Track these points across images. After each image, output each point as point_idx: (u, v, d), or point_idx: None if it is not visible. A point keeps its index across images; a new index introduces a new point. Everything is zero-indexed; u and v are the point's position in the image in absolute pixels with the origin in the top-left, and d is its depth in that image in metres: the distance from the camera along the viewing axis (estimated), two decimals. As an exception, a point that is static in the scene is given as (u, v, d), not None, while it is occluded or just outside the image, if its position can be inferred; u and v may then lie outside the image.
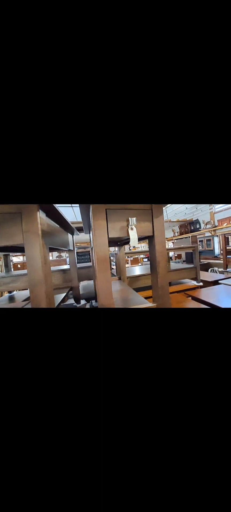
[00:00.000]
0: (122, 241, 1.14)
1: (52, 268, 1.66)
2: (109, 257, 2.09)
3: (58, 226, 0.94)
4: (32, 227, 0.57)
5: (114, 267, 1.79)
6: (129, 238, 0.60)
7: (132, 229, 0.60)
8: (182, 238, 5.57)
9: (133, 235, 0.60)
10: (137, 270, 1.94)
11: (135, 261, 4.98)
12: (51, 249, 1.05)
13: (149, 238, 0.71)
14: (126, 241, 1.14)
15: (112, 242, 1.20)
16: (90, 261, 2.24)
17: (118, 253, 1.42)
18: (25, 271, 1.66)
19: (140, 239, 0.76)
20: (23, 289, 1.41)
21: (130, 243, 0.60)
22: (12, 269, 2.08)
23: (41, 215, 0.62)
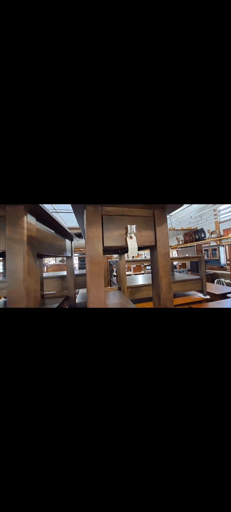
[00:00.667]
0: (122, 250, 1.07)
1: (49, 274, 1.60)
2: (111, 264, 2.01)
3: (53, 232, 0.87)
4: (17, 233, 0.51)
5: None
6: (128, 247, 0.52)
7: (131, 237, 0.52)
8: (187, 246, 5.45)
9: (132, 244, 0.52)
10: (140, 279, 1.85)
11: (138, 268, 4.87)
12: (42, 256, 0.98)
13: (150, 248, 0.62)
14: (126, 249, 1.06)
15: (111, 250, 1.13)
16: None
17: (119, 261, 1.35)
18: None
19: (141, 248, 0.68)
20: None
21: (128, 253, 0.52)
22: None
23: (29, 220, 0.56)
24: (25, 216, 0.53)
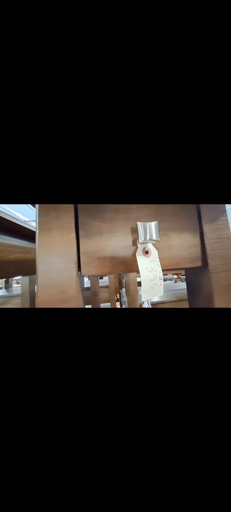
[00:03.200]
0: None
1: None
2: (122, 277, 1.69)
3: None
4: None
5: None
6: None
7: (147, 252, 0.22)
8: None
9: (148, 267, 0.21)
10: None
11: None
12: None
13: (186, 274, 0.30)
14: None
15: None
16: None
17: (128, 274, 1.03)
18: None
19: (167, 270, 0.35)
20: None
21: (141, 290, 0.21)
22: (13, 285, 1.92)
23: None
24: None
